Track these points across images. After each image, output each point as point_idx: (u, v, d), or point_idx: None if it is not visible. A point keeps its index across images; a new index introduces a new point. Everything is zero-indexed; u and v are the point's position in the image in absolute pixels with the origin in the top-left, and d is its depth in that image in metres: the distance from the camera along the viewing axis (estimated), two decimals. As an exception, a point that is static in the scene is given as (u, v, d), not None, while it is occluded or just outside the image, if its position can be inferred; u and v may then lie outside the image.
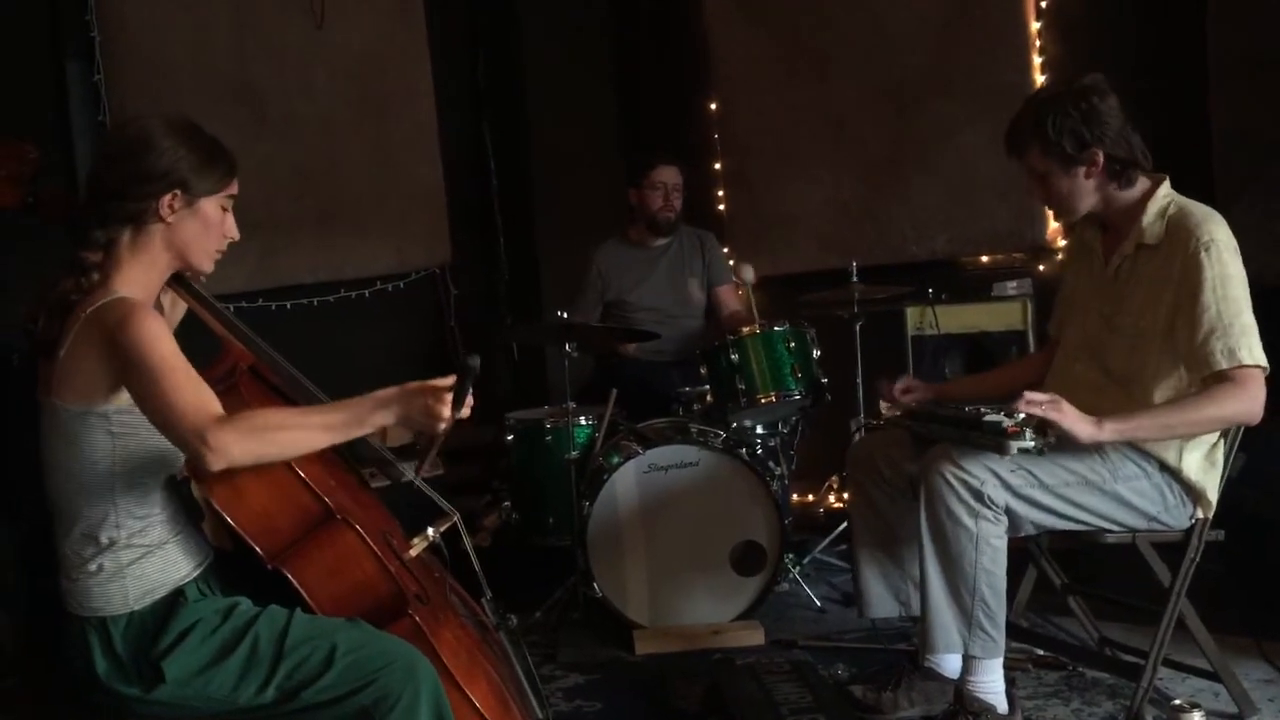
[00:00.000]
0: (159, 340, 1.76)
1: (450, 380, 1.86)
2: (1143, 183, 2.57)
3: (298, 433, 1.81)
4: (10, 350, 3.56)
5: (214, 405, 1.77)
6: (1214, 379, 2.40)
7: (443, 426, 1.87)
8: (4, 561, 3.32)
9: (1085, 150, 2.50)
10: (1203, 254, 2.42)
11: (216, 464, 1.73)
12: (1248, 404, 2.40)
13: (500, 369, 5.57)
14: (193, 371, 1.79)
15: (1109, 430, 2.40)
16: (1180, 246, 2.46)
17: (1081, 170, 2.54)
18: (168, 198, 1.88)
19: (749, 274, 3.95)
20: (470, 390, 1.86)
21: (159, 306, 2.07)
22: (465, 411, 1.87)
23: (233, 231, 2.00)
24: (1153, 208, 2.54)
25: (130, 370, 1.76)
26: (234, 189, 1.98)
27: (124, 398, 1.82)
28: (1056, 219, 4.24)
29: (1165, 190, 2.56)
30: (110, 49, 4.30)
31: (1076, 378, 2.65)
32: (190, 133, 1.93)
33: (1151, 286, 2.52)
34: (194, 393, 1.75)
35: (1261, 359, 2.40)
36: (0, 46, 3.97)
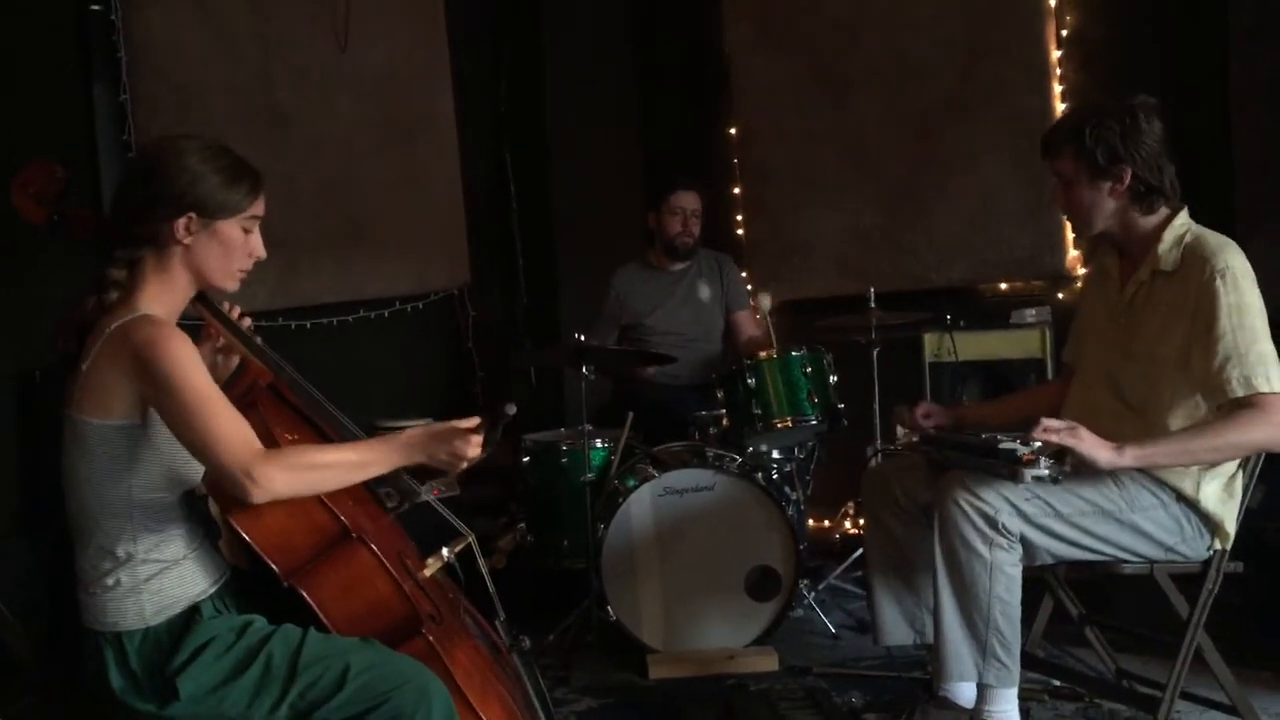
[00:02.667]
0: (192, 367, 1.79)
1: (474, 421, 1.97)
2: (1162, 211, 2.56)
3: (336, 471, 1.88)
4: (34, 366, 3.60)
5: (254, 438, 1.81)
6: (1232, 406, 2.39)
7: (464, 465, 1.98)
8: (26, 576, 3.34)
9: (1116, 165, 2.49)
10: (1218, 281, 2.40)
11: (259, 499, 1.78)
12: (1271, 430, 2.36)
13: (518, 391, 5.59)
14: (227, 400, 1.83)
15: (1129, 455, 2.38)
16: (1195, 274, 2.45)
17: (1107, 185, 2.53)
18: (183, 220, 1.89)
19: (766, 302, 3.97)
20: (499, 435, 2.00)
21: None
22: (485, 453, 1.99)
23: (259, 251, 2.00)
24: (1169, 235, 2.53)
25: (163, 397, 1.78)
26: (258, 210, 1.97)
27: (144, 414, 1.83)
28: (1072, 230, 4.23)
29: (1183, 219, 2.55)
30: (136, 70, 4.35)
31: (1095, 405, 2.64)
32: (209, 154, 1.92)
33: (1167, 314, 2.51)
34: (235, 427, 1.79)
35: (1279, 386, 2.38)
36: (29, 67, 4.03)
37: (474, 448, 1.97)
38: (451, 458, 1.96)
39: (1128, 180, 2.51)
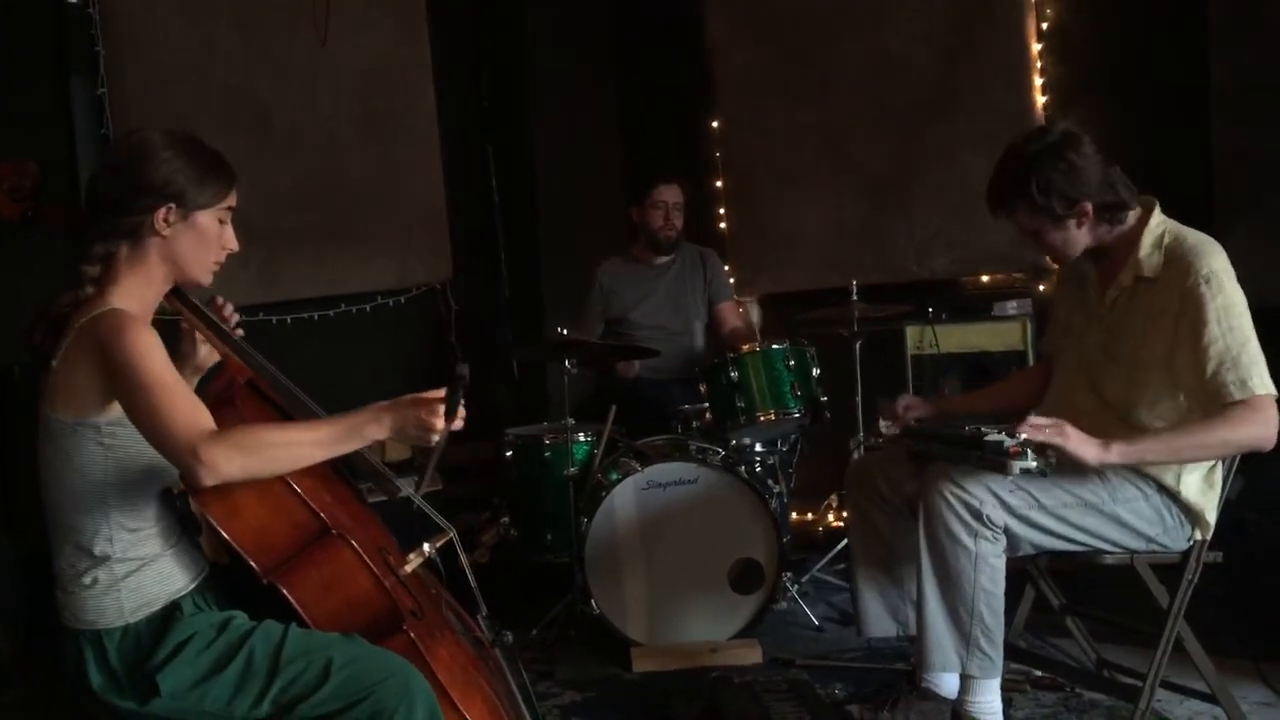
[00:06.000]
0: (151, 354, 1.76)
1: (441, 392, 1.87)
2: (1132, 214, 2.57)
3: (290, 449, 1.80)
4: (12, 363, 3.57)
5: (206, 420, 1.76)
6: (1227, 407, 2.39)
7: (436, 438, 1.87)
8: (4, 575, 3.32)
9: (1074, 206, 2.51)
10: (1203, 286, 2.41)
11: (208, 479, 1.72)
12: (1262, 429, 2.38)
13: (500, 385, 5.58)
14: (185, 386, 1.80)
15: (1116, 453, 2.39)
16: (1179, 278, 2.46)
17: (1072, 223, 2.54)
18: (162, 211, 1.88)
19: (755, 314, 4.01)
20: (462, 400, 1.84)
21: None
22: (458, 423, 1.87)
23: (232, 243, 1.99)
24: (1148, 239, 2.53)
25: (121, 383, 1.76)
26: (232, 201, 1.97)
27: (115, 409, 1.82)
28: (1052, 263, 4.25)
29: (1158, 218, 2.55)
30: (114, 63, 4.32)
31: (1075, 405, 2.64)
32: (187, 145, 1.92)
33: (1150, 318, 2.52)
34: (186, 408, 1.75)
35: (1272, 387, 2.39)
36: (5, 60, 4.00)
37: (439, 417, 1.84)
38: (420, 429, 1.84)
39: (1090, 211, 2.52)
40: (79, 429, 1.82)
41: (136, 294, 1.89)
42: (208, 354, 2.12)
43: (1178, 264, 2.47)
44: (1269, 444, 2.41)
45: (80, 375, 1.80)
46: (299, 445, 1.81)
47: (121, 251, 1.89)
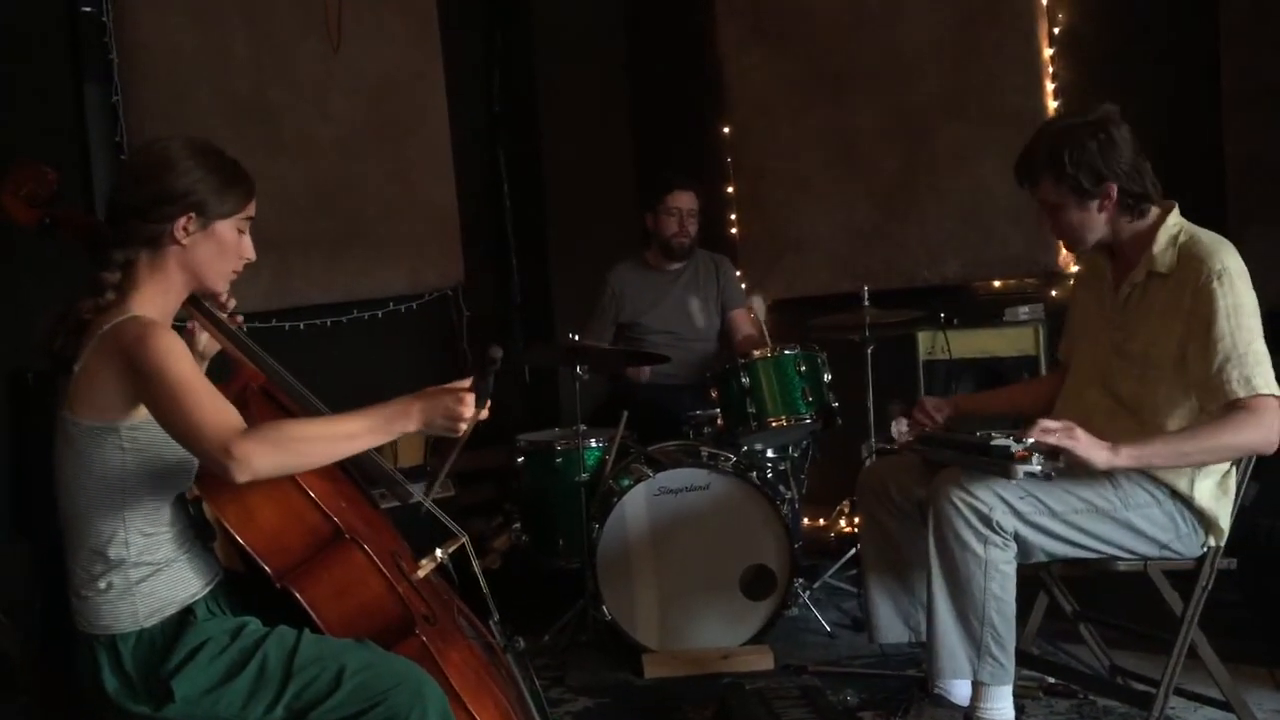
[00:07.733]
0: (177, 358, 1.78)
1: (467, 382, 1.89)
2: (1152, 212, 2.56)
3: (320, 443, 1.82)
4: (27, 368, 3.59)
5: (236, 418, 1.78)
6: (1227, 408, 2.40)
7: (464, 427, 1.88)
8: (19, 579, 3.33)
9: (1101, 184, 2.50)
10: (1215, 283, 2.41)
11: (241, 476, 1.73)
12: (1264, 433, 2.38)
13: (511, 391, 5.59)
14: (211, 386, 1.81)
15: (1125, 456, 2.39)
16: (1192, 275, 2.46)
17: (1095, 203, 2.53)
18: (183, 220, 1.90)
19: (761, 306, 3.98)
20: (493, 385, 1.85)
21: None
22: (484, 413, 1.89)
23: (249, 253, 2.01)
24: (1163, 236, 2.53)
25: (149, 387, 1.77)
26: (251, 211, 1.99)
27: (136, 414, 1.83)
28: (1065, 249, 4.24)
29: (1175, 218, 2.55)
30: (128, 71, 4.34)
31: (1088, 403, 2.64)
32: (208, 155, 1.94)
33: (1162, 315, 2.51)
34: (215, 407, 1.76)
35: (1276, 388, 2.39)
36: (20, 68, 4.02)
37: (468, 406, 1.87)
38: (448, 419, 1.86)
39: (1115, 195, 2.51)
40: (99, 432, 1.83)
41: (156, 301, 1.91)
42: (208, 341, 2.13)
43: (1191, 261, 2.47)
44: (1271, 447, 2.41)
45: (102, 380, 1.81)
46: (331, 440, 1.83)
47: (141, 259, 1.91)
